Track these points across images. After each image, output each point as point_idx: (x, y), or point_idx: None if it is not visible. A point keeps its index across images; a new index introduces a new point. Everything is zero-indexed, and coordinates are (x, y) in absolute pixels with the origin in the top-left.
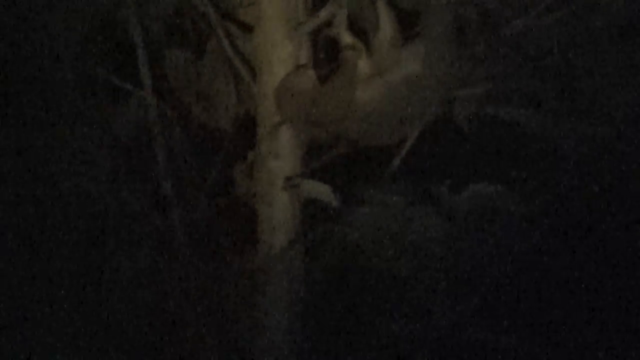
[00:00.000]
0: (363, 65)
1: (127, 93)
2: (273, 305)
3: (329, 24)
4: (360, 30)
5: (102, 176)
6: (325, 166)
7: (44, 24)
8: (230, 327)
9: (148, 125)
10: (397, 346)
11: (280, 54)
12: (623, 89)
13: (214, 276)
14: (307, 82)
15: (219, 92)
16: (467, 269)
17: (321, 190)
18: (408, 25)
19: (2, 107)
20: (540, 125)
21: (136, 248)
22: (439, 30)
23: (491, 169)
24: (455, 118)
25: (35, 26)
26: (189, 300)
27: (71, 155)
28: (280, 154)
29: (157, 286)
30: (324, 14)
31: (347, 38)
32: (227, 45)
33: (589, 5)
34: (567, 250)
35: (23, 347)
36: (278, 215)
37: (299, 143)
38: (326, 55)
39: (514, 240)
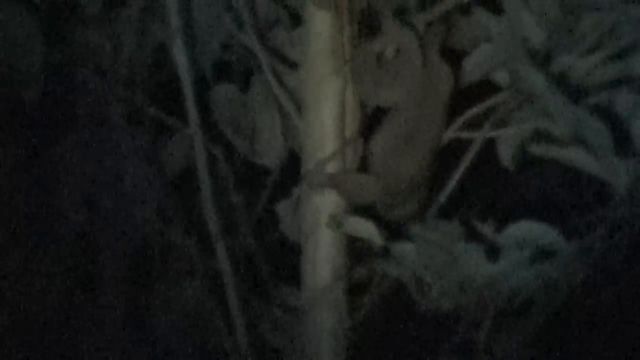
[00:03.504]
0: None
1: (174, 129)
2: (316, 342)
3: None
4: None
5: (149, 212)
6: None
7: (93, 60)
8: None
9: (194, 161)
10: None
11: (326, 90)
12: None
13: (258, 313)
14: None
15: (264, 128)
16: (513, 307)
17: (365, 228)
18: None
19: (52, 143)
20: (587, 164)
21: (181, 284)
22: None
23: (536, 208)
24: (500, 156)
25: (84, 62)
26: (234, 337)
27: (118, 192)
28: (325, 191)
29: (203, 322)
30: (375, 46)
31: None
32: (273, 81)
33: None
34: (615, 290)
35: None
36: (322, 252)
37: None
38: None
39: (560, 279)
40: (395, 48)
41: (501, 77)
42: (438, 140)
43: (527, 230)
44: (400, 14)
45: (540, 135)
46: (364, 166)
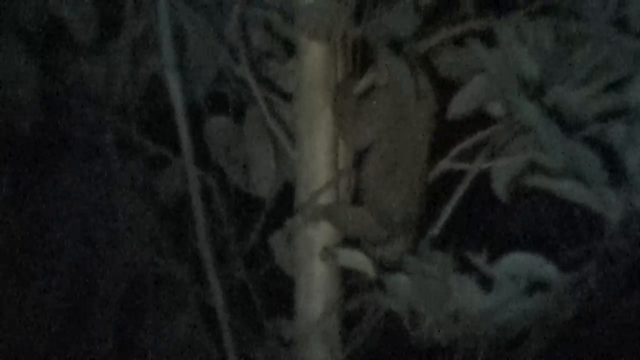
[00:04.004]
0: None
1: (167, 160)
2: None
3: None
4: None
5: (142, 243)
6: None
7: (87, 91)
8: None
9: (187, 191)
10: None
11: (319, 122)
12: None
13: (252, 344)
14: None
15: (258, 160)
16: (507, 338)
17: (358, 260)
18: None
19: (44, 173)
20: (581, 195)
21: (174, 315)
22: None
23: (530, 239)
24: (494, 188)
25: (78, 92)
26: None
27: (111, 222)
28: (319, 222)
29: (196, 354)
30: (364, 82)
31: None
32: (266, 112)
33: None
34: (609, 321)
35: None
36: (315, 284)
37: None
38: None
39: (554, 310)
40: (383, 82)
41: (495, 108)
42: (423, 172)
43: (521, 262)
44: (394, 45)
45: (534, 167)
46: (356, 198)
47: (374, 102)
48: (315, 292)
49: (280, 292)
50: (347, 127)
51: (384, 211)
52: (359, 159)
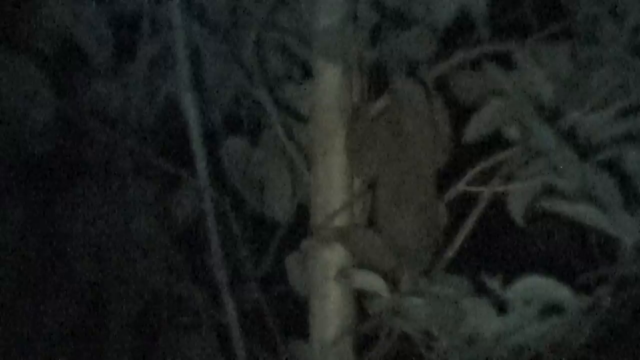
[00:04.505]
0: None
1: (183, 181)
2: None
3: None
4: None
5: (157, 264)
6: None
7: (103, 112)
8: None
9: (203, 213)
10: None
11: (335, 144)
12: None
13: None
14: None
15: (273, 182)
16: None
17: (373, 281)
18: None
19: (61, 194)
20: (596, 219)
21: (189, 337)
22: None
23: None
24: (511, 211)
25: (93, 113)
26: None
27: (127, 243)
28: (334, 245)
29: None
30: (379, 105)
31: None
32: (282, 134)
33: None
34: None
35: None
36: (330, 306)
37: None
38: None
39: (568, 334)
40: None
41: (511, 132)
42: (434, 199)
43: (535, 286)
44: (410, 68)
45: (549, 191)
46: (371, 222)
47: (383, 130)
48: (330, 314)
49: (295, 315)
50: (355, 156)
51: (394, 237)
52: (374, 182)
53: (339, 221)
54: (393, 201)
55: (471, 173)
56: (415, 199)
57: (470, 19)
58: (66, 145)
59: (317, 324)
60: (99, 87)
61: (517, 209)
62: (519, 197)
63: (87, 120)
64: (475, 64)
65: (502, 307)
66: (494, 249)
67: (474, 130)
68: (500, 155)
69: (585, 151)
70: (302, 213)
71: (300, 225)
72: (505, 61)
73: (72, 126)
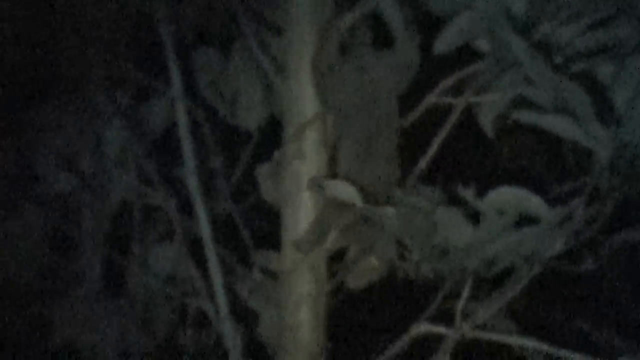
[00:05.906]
0: None
1: (156, 91)
2: (296, 306)
3: None
4: None
5: (129, 174)
6: None
7: (74, 23)
8: (253, 326)
9: (174, 123)
10: (422, 346)
11: (308, 57)
12: None
13: (238, 277)
14: None
15: (245, 93)
16: (493, 273)
17: (346, 191)
18: None
19: (32, 106)
20: (570, 131)
21: (161, 247)
22: None
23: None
24: (480, 123)
25: (64, 25)
26: (214, 300)
27: (98, 153)
28: (306, 155)
29: (182, 283)
30: (350, 15)
31: None
32: (255, 45)
33: (619, 11)
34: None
35: None
36: (302, 216)
37: (325, 145)
38: None
39: (541, 246)
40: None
41: (482, 44)
42: (395, 141)
43: (509, 196)
44: None
45: (522, 103)
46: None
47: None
48: (303, 225)
49: (267, 225)
50: (320, 86)
51: (362, 183)
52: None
53: (311, 132)
54: (359, 155)
55: (443, 84)
56: (383, 152)
57: None
58: (37, 53)
59: (289, 234)
60: None
61: (486, 120)
62: (489, 108)
63: (60, 30)
64: None
65: (475, 218)
66: (468, 161)
67: (444, 42)
68: (472, 68)
69: (557, 64)
70: (275, 124)
71: (273, 137)
72: None
73: (44, 35)
